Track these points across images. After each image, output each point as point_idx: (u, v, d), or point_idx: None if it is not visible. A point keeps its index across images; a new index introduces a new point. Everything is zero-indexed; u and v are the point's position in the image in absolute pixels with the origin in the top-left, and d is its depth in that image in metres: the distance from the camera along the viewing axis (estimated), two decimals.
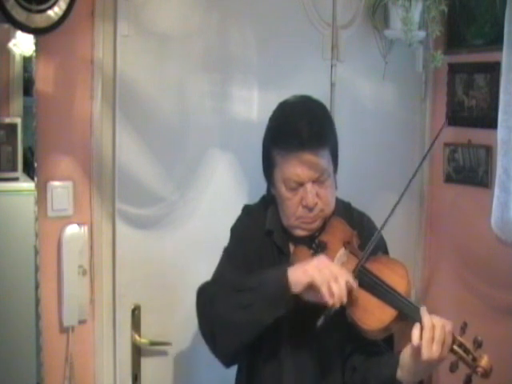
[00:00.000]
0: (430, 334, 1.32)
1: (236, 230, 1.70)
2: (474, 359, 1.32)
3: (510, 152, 2.05)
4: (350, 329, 1.51)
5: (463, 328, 1.35)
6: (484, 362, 1.31)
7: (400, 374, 1.40)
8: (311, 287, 1.38)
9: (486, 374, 1.31)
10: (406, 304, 1.39)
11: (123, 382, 1.91)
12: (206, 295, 1.57)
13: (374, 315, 1.40)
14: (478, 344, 1.33)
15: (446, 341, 1.32)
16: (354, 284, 1.40)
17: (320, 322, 1.38)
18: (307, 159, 1.50)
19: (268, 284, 1.43)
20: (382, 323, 1.39)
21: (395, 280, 1.44)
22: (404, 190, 1.50)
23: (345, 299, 1.37)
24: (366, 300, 1.43)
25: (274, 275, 1.44)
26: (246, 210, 1.73)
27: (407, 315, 1.38)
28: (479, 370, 1.30)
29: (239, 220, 1.71)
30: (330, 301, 1.36)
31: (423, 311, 1.36)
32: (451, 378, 1.35)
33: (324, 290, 1.36)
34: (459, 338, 1.34)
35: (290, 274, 1.40)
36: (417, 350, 1.33)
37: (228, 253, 1.67)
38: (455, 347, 1.33)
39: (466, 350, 1.33)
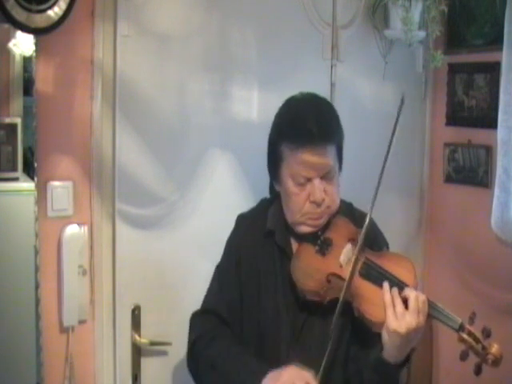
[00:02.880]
0: (401, 307, 1.36)
1: (228, 244, 1.72)
2: (484, 348, 1.33)
3: (510, 152, 2.05)
4: (354, 328, 1.52)
5: (472, 318, 1.36)
6: (494, 349, 1.32)
7: (385, 353, 1.41)
8: None
9: (497, 361, 1.32)
10: None
11: (123, 382, 1.91)
12: (191, 339, 1.65)
13: (382, 307, 1.40)
14: (487, 333, 1.34)
15: (420, 309, 1.36)
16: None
17: None
18: (316, 155, 1.50)
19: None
20: None
21: (402, 273, 1.45)
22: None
23: None
24: (373, 293, 1.44)
25: (250, 379, 1.47)
26: (240, 219, 1.74)
27: None
28: (489, 357, 1.31)
29: (232, 233, 1.73)
30: None
31: (385, 285, 1.40)
32: (462, 367, 1.36)
33: None
34: (468, 327, 1.35)
35: None
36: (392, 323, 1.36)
37: (219, 271, 1.71)
38: (465, 336, 1.34)
39: (476, 339, 1.34)
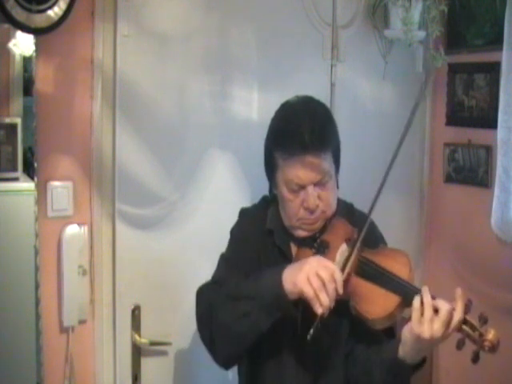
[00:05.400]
0: (430, 312, 1.32)
1: (233, 234, 1.71)
2: (481, 335, 1.31)
3: (510, 152, 2.05)
4: (353, 327, 1.52)
5: (468, 305, 1.35)
6: (491, 335, 1.31)
7: (402, 351, 1.39)
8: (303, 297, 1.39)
9: (494, 348, 1.30)
10: (409, 289, 1.40)
11: (123, 382, 1.91)
12: (204, 300, 1.57)
13: (378, 304, 1.40)
14: (483, 320, 1.33)
15: (452, 325, 1.32)
16: (342, 279, 1.40)
17: (310, 335, 1.38)
18: (309, 162, 1.49)
19: (264, 292, 1.43)
20: (386, 311, 1.40)
21: (397, 268, 1.44)
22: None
23: (332, 304, 1.37)
24: (369, 290, 1.43)
25: (270, 283, 1.43)
26: (243, 213, 1.73)
27: (411, 300, 1.37)
28: (486, 344, 1.30)
29: (237, 224, 1.72)
30: (318, 311, 1.36)
31: (425, 290, 1.36)
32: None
33: (313, 303, 1.36)
34: (465, 315, 1.34)
35: (284, 283, 1.40)
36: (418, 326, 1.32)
37: (224, 257, 1.68)
38: (461, 325, 1.33)
39: (472, 327, 1.33)
